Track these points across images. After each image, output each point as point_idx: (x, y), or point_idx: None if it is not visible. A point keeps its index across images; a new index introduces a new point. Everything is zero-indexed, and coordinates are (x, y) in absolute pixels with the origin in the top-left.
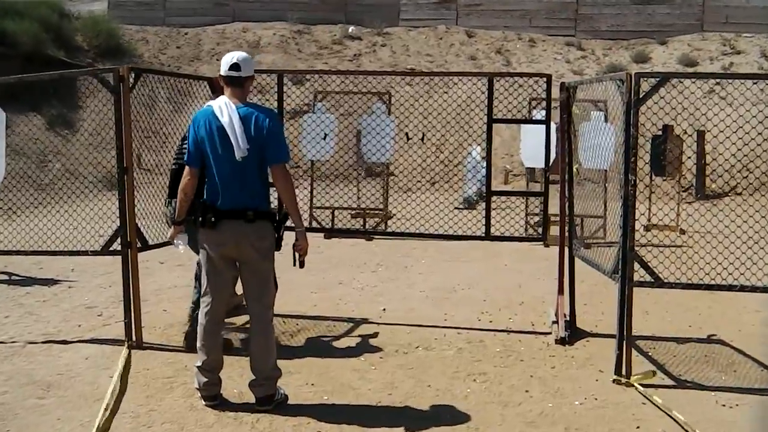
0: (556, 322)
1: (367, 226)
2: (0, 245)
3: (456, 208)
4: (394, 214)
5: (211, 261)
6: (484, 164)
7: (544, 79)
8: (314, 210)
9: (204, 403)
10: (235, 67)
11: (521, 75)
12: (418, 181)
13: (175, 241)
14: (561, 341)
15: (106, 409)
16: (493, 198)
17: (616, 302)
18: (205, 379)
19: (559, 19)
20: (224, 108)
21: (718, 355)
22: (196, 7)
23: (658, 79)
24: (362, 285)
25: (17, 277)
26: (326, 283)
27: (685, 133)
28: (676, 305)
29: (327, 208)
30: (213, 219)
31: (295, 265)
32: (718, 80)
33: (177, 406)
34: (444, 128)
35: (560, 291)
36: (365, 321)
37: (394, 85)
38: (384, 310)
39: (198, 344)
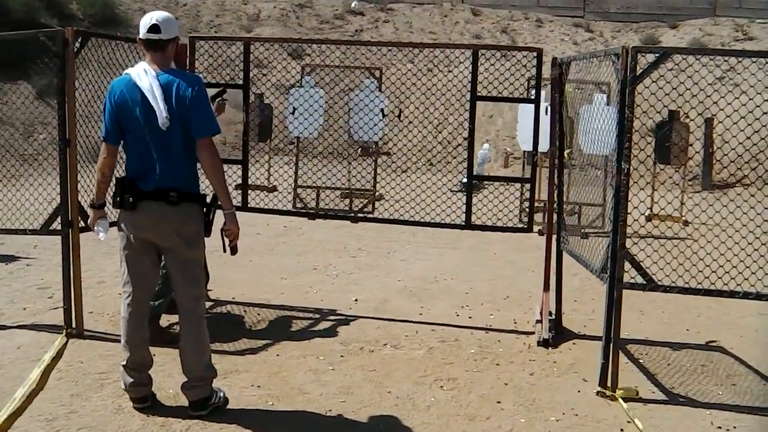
0: (541, 320)
1: (354, 207)
2: None
3: (451, 190)
4: (383, 196)
5: (130, 246)
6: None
7: (534, 54)
8: (298, 189)
9: (132, 405)
10: (154, 28)
11: (508, 48)
12: (416, 162)
13: (95, 228)
14: (544, 343)
15: (10, 409)
16: (487, 183)
17: (604, 305)
18: (131, 379)
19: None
20: (143, 75)
21: (716, 364)
22: None
23: (657, 55)
24: (338, 272)
25: None
26: (299, 268)
27: (690, 119)
28: (674, 305)
29: (311, 187)
30: (131, 200)
31: (225, 251)
32: (729, 66)
33: (102, 408)
34: (444, 107)
35: (546, 287)
36: (333, 313)
37: (396, 62)
38: (356, 301)
39: (122, 340)
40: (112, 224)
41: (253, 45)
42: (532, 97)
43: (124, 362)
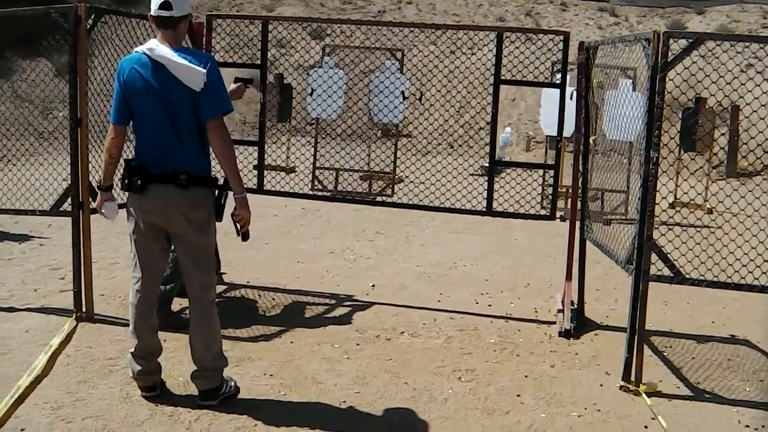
0: (562, 310)
1: (373, 190)
2: None
3: (472, 174)
4: (402, 179)
5: (139, 231)
6: (510, 141)
7: (561, 37)
8: (317, 171)
9: (141, 393)
10: (165, 5)
11: (534, 31)
12: (438, 145)
13: (102, 210)
14: (565, 334)
15: (14, 396)
16: (509, 168)
17: (629, 297)
18: (139, 367)
19: None
20: (155, 54)
21: (743, 359)
22: None
23: (690, 41)
24: (355, 256)
25: None
26: (316, 252)
27: (723, 107)
28: (698, 296)
29: (330, 168)
30: (140, 182)
31: (238, 236)
32: (752, 53)
33: (109, 396)
34: (466, 90)
35: (568, 276)
36: (349, 299)
37: (418, 44)
38: (373, 286)
39: (130, 327)
40: (120, 206)
41: (272, 24)
42: (557, 82)
43: (132, 349)
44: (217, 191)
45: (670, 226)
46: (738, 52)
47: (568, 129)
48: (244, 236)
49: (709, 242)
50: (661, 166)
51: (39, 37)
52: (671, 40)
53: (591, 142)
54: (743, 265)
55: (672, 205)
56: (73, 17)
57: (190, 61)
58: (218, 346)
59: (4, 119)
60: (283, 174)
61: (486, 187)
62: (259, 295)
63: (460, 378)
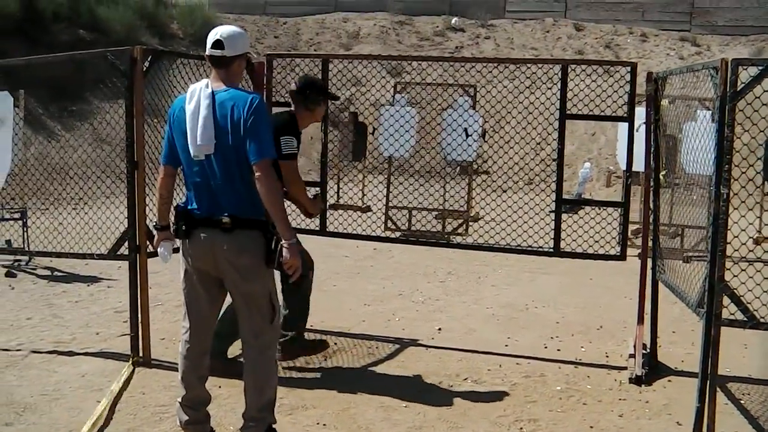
0: (634, 355)
1: (447, 228)
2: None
3: (552, 212)
4: (482, 217)
5: (189, 278)
6: (590, 176)
7: (628, 69)
8: (390, 210)
9: None
10: (217, 44)
11: (599, 63)
12: (517, 181)
13: (159, 250)
14: (636, 380)
15: None
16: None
17: (700, 343)
18: (186, 417)
19: (674, 13)
20: (195, 95)
21: None
22: None
23: (761, 68)
24: (424, 298)
25: (59, 273)
26: (384, 294)
27: None
28: None
29: (402, 208)
30: (185, 227)
31: (283, 282)
32: None
33: None
34: (542, 126)
35: (640, 319)
36: (414, 343)
37: (491, 79)
38: (439, 330)
39: (179, 377)
40: (176, 250)
41: (350, 62)
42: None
43: (180, 399)
44: (267, 236)
45: (751, 262)
46: None
47: (639, 164)
48: (294, 285)
49: None
50: (747, 203)
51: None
52: (741, 68)
53: (661, 177)
54: None
55: (757, 241)
56: (128, 59)
57: (234, 103)
58: (268, 398)
59: (81, 161)
60: (359, 212)
61: (570, 224)
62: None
63: (521, 428)
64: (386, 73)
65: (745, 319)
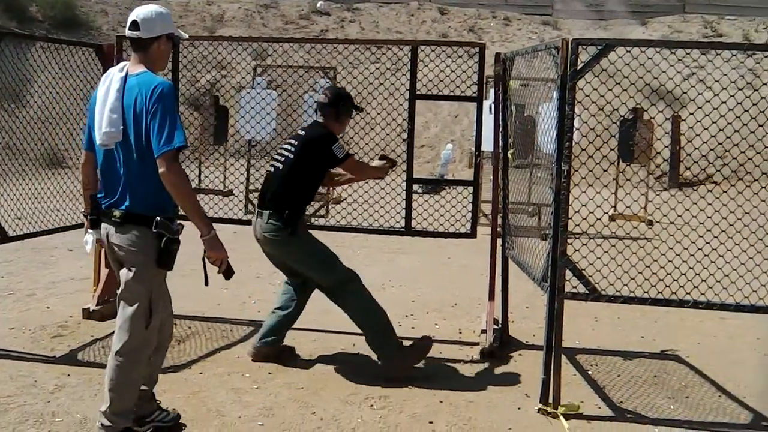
0: (485, 331)
1: (308, 211)
2: None
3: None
4: (344, 198)
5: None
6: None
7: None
8: (251, 194)
9: None
10: (133, 26)
11: (449, 44)
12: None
13: (84, 239)
14: (488, 355)
15: None
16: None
17: (545, 317)
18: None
19: None
20: (109, 77)
21: (670, 375)
22: None
23: (600, 48)
24: (281, 279)
25: None
26: (243, 277)
27: (662, 115)
28: (630, 309)
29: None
30: (94, 217)
31: (207, 284)
32: (693, 60)
33: None
34: (402, 107)
35: (491, 295)
36: None
37: (353, 61)
38: None
39: None
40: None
41: (213, 45)
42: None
43: None
44: (157, 234)
45: (606, 238)
46: (679, 60)
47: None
48: (226, 274)
49: (646, 252)
50: (602, 179)
51: None
52: (581, 48)
53: (510, 156)
54: (674, 280)
55: (612, 218)
56: None
57: (139, 89)
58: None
59: None
60: (221, 197)
61: (431, 203)
62: (176, 324)
63: (372, 405)
64: (250, 57)
65: (587, 291)
